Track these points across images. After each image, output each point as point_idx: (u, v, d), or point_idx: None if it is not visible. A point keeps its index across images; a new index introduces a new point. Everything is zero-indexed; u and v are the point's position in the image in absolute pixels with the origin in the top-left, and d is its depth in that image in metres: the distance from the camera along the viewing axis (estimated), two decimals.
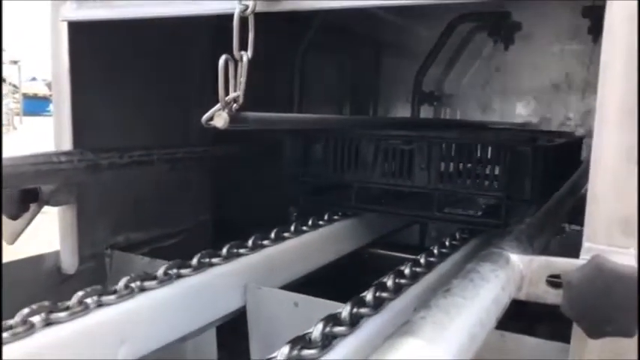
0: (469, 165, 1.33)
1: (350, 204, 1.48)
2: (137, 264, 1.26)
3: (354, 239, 1.53)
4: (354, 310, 0.85)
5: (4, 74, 17.03)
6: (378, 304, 0.89)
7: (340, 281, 1.22)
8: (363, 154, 1.45)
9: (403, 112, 2.68)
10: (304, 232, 1.32)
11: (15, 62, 15.85)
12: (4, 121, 14.79)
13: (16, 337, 0.75)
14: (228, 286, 1.11)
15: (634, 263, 0.63)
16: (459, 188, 1.34)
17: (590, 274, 0.60)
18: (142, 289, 0.96)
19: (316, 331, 0.75)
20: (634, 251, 0.68)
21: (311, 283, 1.34)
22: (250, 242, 1.15)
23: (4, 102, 15.41)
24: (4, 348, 0.74)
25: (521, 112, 2.48)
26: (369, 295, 0.90)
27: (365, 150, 1.45)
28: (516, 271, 0.66)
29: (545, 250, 0.86)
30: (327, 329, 0.78)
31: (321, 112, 2.33)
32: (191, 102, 1.32)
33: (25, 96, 16.05)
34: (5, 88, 16.60)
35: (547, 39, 2.33)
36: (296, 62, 2.12)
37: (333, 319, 0.80)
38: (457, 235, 1.32)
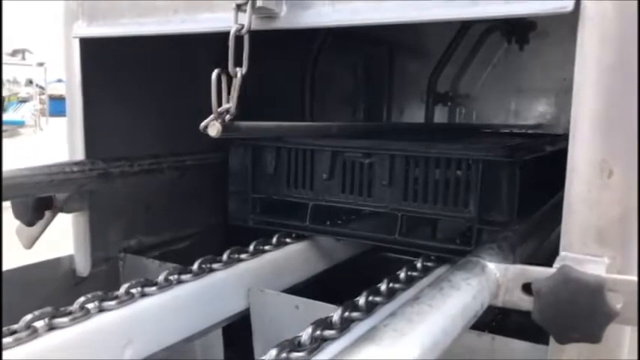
0: (436, 181, 1.17)
1: (304, 225, 1.32)
2: (149, 267, 1.31)
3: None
4: (346, 314, 0.89)
5: (31, 76, 17.37)
6: (370, 309, 0.93)
7: (353, 282, 1.15)
8: (318, 167, 1.29)
9: (418, 113, 2.68)
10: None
11: (41, 64, 16.14)
12: (31, 122, 15.08)
13: (32, 336, 0.81)
14: (232, 289, 1.16)
15: (603, 272, 0.67)
16: (425, 209, 1.17)
17: (557, 283, 0.63)
18: (145, 294, 1.02)
19: (305, 334, 0.80)
20: (607, 260, 0.71)
21: (322, 284, 1.39)
22: (252, 247, 1.20)
23: (31, 104, 15.73)
24: (19, 349, 0.80)
25: (537, 112, 2.48)
26: (361, 300, 0.94)
27: (321, 163, 1.28)
28: (492, 279, 0.70)
29: (532, 258, 0.89)
30: (317, 332, 0.83)
31: (334, 114, 2.33)
32: (201, 110, 1.36)
33: (51, 97, 16.33)
34: (31, 90, 16.92)
35: (563, 37, 2.31)
36: (307, 64, 2.11)
37: (323, 323, 0.85)
38: (419, 266, 1.13)
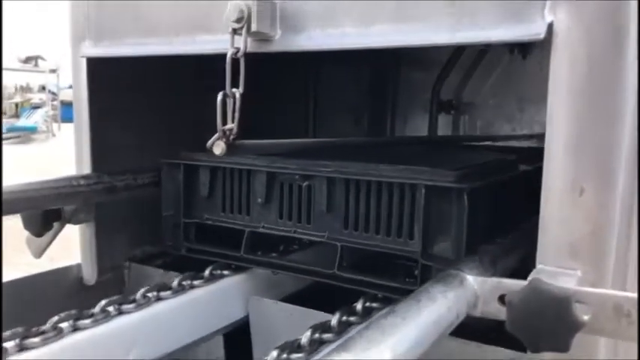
0: (378, 208, 1.03)
1: (238, 255, 1.20)
2: (153, 275, 1.37)
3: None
4: (344, 318, 0.95)
5: (44, 82, 17.58)
6: (367, 313, 0.98)
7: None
8: (256, 189, 1.16)
9: (422, 122, 2.71)
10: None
11: (53, 71, 16.34)
12: (43, 128, 15.26)
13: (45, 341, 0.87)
14: (232, 298, 1.21)
15: (573, 285, 0.71)
16: (367, 239, 1.04)
17: (527, 295, 0.67)
18: (150, 301, 1.08)
19: (305, 337, 0.85)
20: (580, 273, 0.76)
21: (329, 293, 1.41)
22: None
23: (43, 110, 15.92)
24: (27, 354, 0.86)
25: (542, 120, 2.49)
26: (358, 305, 0.99)
27: (258, 185, 1.16)
28: (470, 291, 0.74)
29: (517, 271, 0.93)
30: (316, 336, 0.89)
31: (337, 124, 2.36)
32: (206, 125, 1.40)
33: (63, 103, 16.50)
34: (44, 96, 17.13)
35: None
36: (310, 75, 2.14)
37: (322, 327, 0.90)
38: (358, 308, 1.00)
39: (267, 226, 1.16)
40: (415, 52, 2.55)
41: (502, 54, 2.47)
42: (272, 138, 1.27)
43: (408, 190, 0.99)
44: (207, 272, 1.18)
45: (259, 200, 1.16)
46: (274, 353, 0.82)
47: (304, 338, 0.87)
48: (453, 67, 2.51)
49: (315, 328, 0.90)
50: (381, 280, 1.02)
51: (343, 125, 2.43)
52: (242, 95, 0.95)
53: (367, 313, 0.99)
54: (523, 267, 0.90)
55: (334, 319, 0.93)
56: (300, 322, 1.12)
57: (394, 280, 1.02)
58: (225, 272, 1.20)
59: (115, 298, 1.02)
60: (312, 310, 1.09)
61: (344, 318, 0.95)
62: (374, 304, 1.02)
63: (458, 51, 2.39)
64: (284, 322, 1.15)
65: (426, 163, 1.04)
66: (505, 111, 2.56)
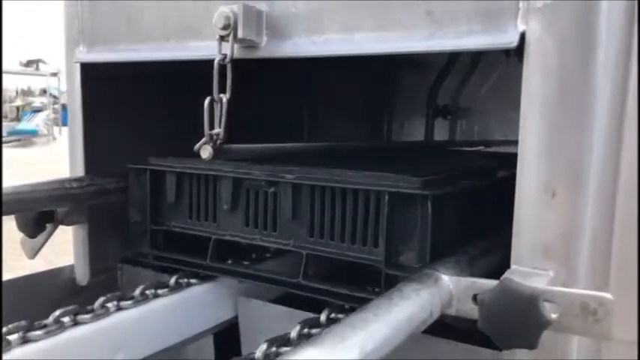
0: (343, 216, 1.01)
1: (204, 264, 1.17)
2: (145, 276, 1.39)
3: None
4: (332, 315, 0.98)
5: (45, 85, 17.65)
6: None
7: None
8: (222, 196, 1.14)
9: (419, 127, 2.72)
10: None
11: (54, 74, 16.41)
12: (45, 131, 15.32)
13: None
14: (221, 298, 1.24)
15: (544, 284, 0.73)
16: (332, 248, 1.02)
17: (498, 294, 0.70)
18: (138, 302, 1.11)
19: (294, 332, 0.88)
20: (552, 273, 0.78)
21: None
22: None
23: (44, 113, 15.98)
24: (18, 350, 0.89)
25: None
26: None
27: (224, 191, 1.13)
28: (445, 290, 0.77)
29: (496, 271, 0.95)
30: (305, 330, 0.92)
31: (332, 128, 2.36)
32: (198, 130, 1.42)
33: (64, 106, 16.56)
34: (45, 100, 17.20)
35: None
36: (304, 78, 2.12)
37: (311, 322, 0.94)
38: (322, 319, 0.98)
39: (234, 234, 1.14)
40: (412, 56, 2.56)
41: (498, 58, 2.49)
42: (266, 142, 1.30)
43: (373, 196, 0.96)
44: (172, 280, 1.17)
45: (225, 207, 1.13)
46: (263, 346, 0.85)
47: (293, 333, 0.91)
48: (449, 72, 2.52)
49: (305, 323, 0.94)
50: (345, 290, 1.00)
51: (339, 129, 2.44)
52: (234, 100, 0.98)
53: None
54: (504, 268, 0.93)
55: (323, 315, 0.97)
56: (288, 322, 1.14)
57: (359, 290, 0.99)
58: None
59: (106, 297, 1.05)
60: (300, 310, 1.11)
61: (332, 315, 0.99)
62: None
63: (454, 55, 2.40)
64: (273, 322, 1.18)
65: (401, 168, 1.04)
66: (502, 116, 2.56)
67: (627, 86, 0.78)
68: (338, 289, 1.01)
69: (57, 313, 0.95)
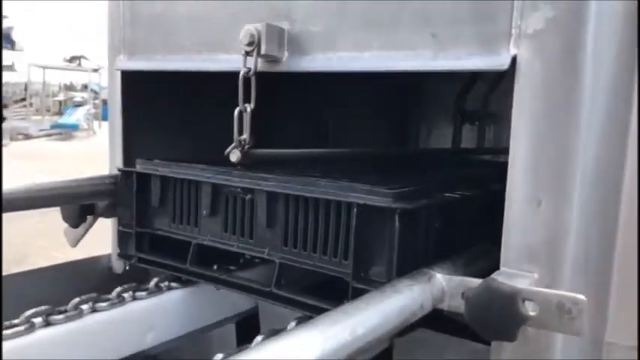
0: (315, 226, 1.01)
1: (184, 268, 1.20)
2: None
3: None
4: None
5: (87, 81, 18.15)
6: None
7: None
8: (202, 201, 1.16)
9: (447, 132, 2.75)
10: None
11: (96, 70, 16.88)
12: (85, 126, 15.77)
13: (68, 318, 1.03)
14: None
15: (525, 285, 0.81)
16: (304, 258, 1.02)
17: (481, 292, 0.78)
18: (170, 288, 1.23)
19: (290, 325, 0.97)
20: (536, 276, 0.86)
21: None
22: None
23: (85, 108, 16.44)
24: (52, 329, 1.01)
25: None
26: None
27: (204, 196, 1.16)
28: (437, 286, 0.85)
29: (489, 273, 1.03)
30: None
31: (358, 137, 2.41)
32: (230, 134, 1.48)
33: (104, 102, 16.99)
34: (86, 95, 17.70)
35: None
36: (328, 85, 2.23)
37: (306, 319, 1.01)
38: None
39: (213, 239, 1.16)
40: None
41: None
42: (293, 148, 1.39)
43: (345, 208, 0.96)
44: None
45: (204, 212, 1.16)
46: (259, 338, 0.94)
47: (289, 327, 0.98)
48: (478, 78, 2.56)
49: (301, 319, 1.01)
50: (313, 301, 1.01)
51: (363, 136, 2.48)
52: (260, 109, 1.08)
53: None
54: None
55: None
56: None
57: (327, 302, 0.99)
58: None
59: (132, 284, 1.20)
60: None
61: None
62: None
63: None
64: (291, 312, 1.28)
65: (392, 178, 1.06)
66: None
67: (611, 108, 0.86)
68: (307, 300, 1.02)
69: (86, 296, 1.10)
